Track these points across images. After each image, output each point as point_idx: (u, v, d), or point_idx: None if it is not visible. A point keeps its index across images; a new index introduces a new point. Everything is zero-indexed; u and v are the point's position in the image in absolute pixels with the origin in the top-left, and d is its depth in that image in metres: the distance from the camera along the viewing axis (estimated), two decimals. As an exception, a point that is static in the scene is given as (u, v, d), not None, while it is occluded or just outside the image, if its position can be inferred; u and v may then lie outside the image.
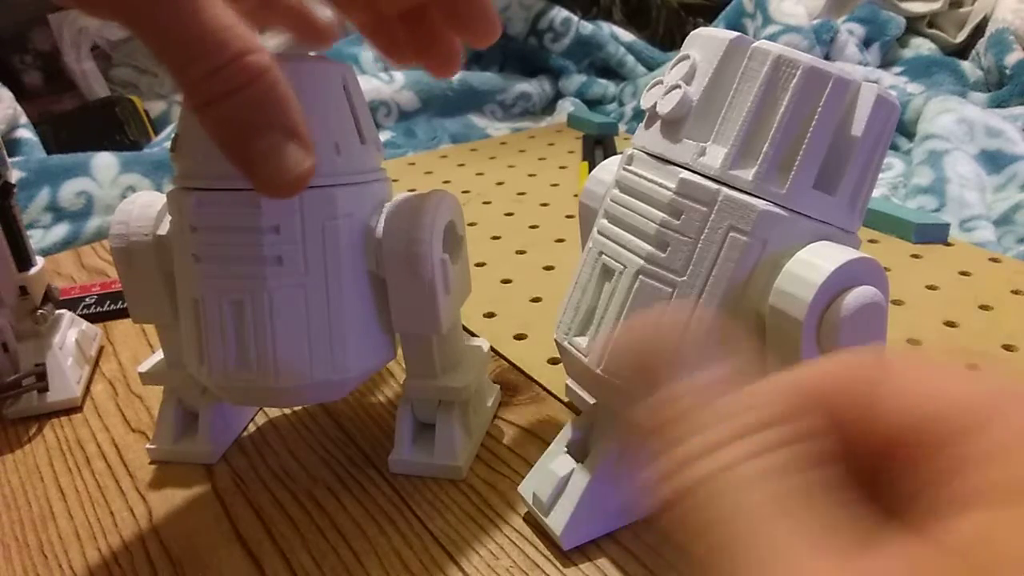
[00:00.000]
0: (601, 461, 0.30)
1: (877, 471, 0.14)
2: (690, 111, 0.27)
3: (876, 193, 0.60)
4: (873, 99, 0.26)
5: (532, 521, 0.32)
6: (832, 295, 0.25)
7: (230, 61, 0.22)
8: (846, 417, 0.14)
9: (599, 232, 0.29)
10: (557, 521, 0.30)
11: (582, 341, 0.29)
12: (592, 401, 0.36)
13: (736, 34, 0.26)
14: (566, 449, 0.32)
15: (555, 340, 0.31)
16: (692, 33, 0.28)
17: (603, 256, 0.29)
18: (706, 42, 0.27)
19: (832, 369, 0.15)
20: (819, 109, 0.25)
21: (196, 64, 0.22)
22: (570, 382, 0.39)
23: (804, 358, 0.25)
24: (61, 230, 0.65)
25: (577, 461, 0.31)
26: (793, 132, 0.25)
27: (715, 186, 0.26)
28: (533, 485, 0.32)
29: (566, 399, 0.39)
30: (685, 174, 0.26)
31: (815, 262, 0.25)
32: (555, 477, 0.31)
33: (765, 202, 0.25)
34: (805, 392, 0.14)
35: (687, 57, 0.27)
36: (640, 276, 0.27)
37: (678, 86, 0.27)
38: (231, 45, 0.22)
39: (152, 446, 0.37)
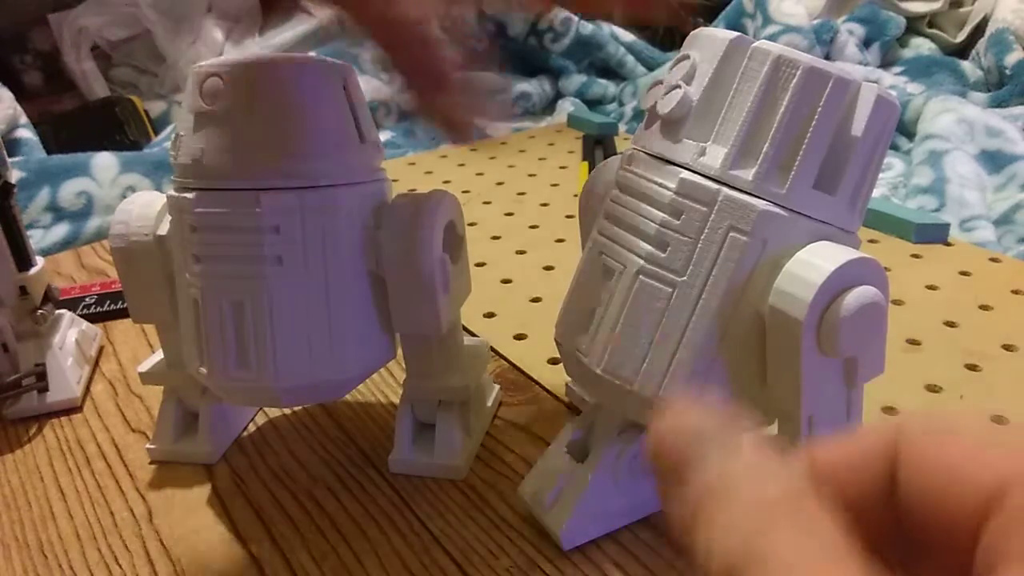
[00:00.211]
0: (601, 461, 0.30)
1: (891, 547, 0.14)
2: (690, 111, 0.27)
3: (876, 193, 0.60)
4: (873, 99, 0.26)
5: (532, 521, 0.32)
6: (832, 295, 0.25)
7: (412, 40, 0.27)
8: (859, 500, 0.14)
9: (599, 232, 0.29)
10: (557, 521, 0.30)
11: (582, 341, 0.29)
12: (592, 401, 0.36)
13: (736, 34, 0.26)
14: (566, 449, 0.32)
15: (555, 340, 0.31)
16: (692, 33, 0.28)
17: (603, 256, 0.29)
18: (706, 42, 0.27)
19: (846, 450, 0.15)
20: (819, 109, 0.25)
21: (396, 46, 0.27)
22: (570, 382, 0.39)
23: (804, 358, 0.25)
24: (61, 230, 0.65)
25: (577, 461, 0.31)
26: (793, 132, 0.25)
27: (715, 186, 0.26)
28: (533, 485, 0.32)
29: (566, 399, 0.39)
30: (685, 174, 0.26)
31: (815, 262, 0.25)
32: (555, 477, 0.31)
33: (765, 202, 0.25)
34: (819, 475, 0.14)
35: (687, 57, 0.27)
36: (640, 276, 0.27)
37: (678, 86, 0.27)
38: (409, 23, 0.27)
39: (152, 446, 0.37)
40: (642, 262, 0.27)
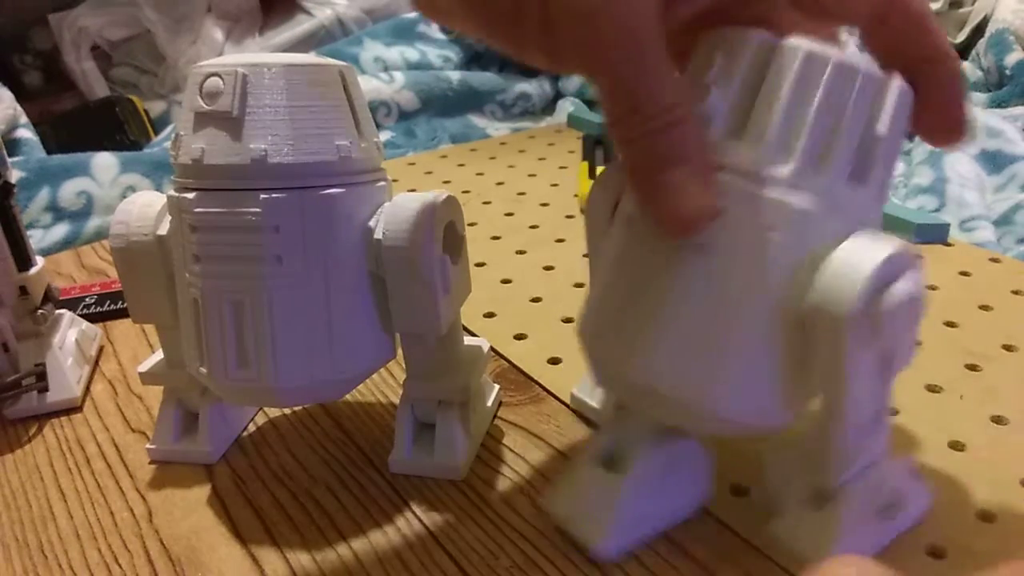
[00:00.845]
0: (634, 468, 0.29)
1: None
2: (719, 111, 0.26)
3: (876, 193, 0.60)
4: (897, 90, 0.26)
5: (532, 521, 0.32)
6: (881, 285, 0.24)
7: (659, 111, 0.25)
8: None
9: (627, 230, 0.29)
10: (594, 534, 0.30)
11: (614, 345, 0.28)
12: (602, 408, 0.36)
13: (764, 32, 0.26)
14: (595, 459, 0.31)
15: (581, 344, 0.30)
16: (713, 32, 0.28)
17: (634, 255, 0.28)
18: (731, 42, 0.27)
19: None
20: (850, 103, 0.25)
21: (629, 106, 0.25)
22: (576, 390, 0.39)
23: (848, 352, 0.25)
24: (61, 230, 0.65)
25: (608, 471, 0.30)
26: (825, 127, 0.25)
27: (751, 184, 0.25)
28: (563, 499, 0.31)
29: (566, 399, 0.39)
30: (721, 174, 0.26)
31: (861, 254, 0.25)
32: (586, 489, 0.30)
33: (801, 198, 0.25)
34: None
35: (710, 57, 0.27)
36: (678, 278, 0.26)
37: (706, 87, 0.26)
38: (664, 95, 0.25)
39: (152, 446, 0.37)
40: (680, 264, 0.26)
